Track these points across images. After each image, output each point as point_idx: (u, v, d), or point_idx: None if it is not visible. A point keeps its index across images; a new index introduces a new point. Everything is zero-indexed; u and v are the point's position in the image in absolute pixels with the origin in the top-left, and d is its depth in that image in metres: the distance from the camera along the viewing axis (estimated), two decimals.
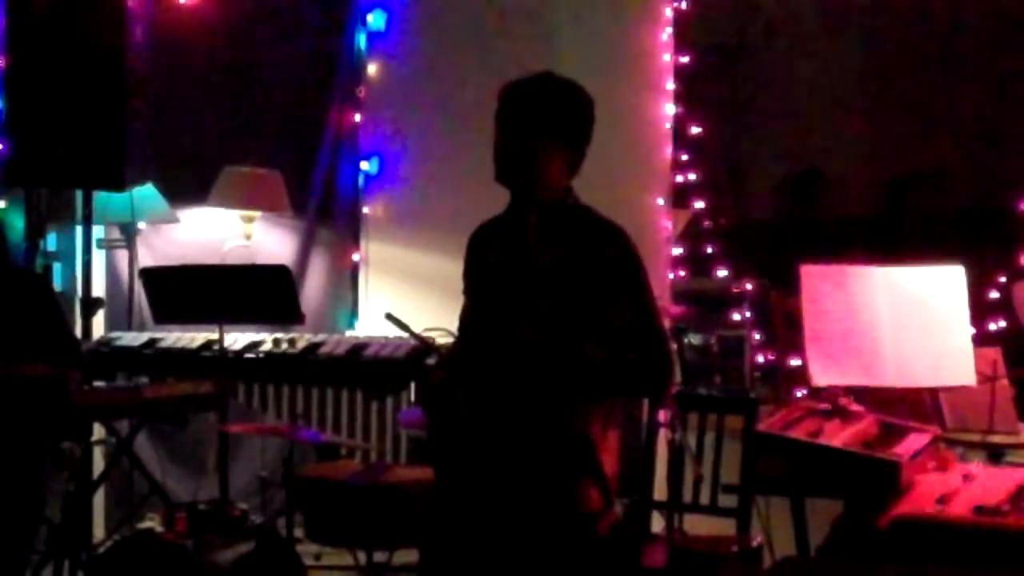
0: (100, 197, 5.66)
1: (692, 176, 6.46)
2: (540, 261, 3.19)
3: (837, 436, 3.83)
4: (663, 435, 3.90)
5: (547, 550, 3.13)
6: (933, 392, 4.43)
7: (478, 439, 3.19)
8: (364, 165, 6.36)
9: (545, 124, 3.18)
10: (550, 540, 3.13)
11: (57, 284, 5.88)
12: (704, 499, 4.62)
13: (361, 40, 6.39)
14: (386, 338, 5.33)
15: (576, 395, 3.14)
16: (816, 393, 4.25)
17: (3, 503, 4.32)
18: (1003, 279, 6.39)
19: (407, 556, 4.54)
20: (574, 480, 3.15)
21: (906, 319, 4.24)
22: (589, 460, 3.17)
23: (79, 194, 5.69)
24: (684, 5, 6.30)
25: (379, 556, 4.65)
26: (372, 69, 6.36)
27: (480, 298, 3.31)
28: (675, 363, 3.19)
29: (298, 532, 4.62)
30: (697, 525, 4.65)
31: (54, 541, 4.82)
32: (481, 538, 3.18)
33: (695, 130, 6.39)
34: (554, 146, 3.20)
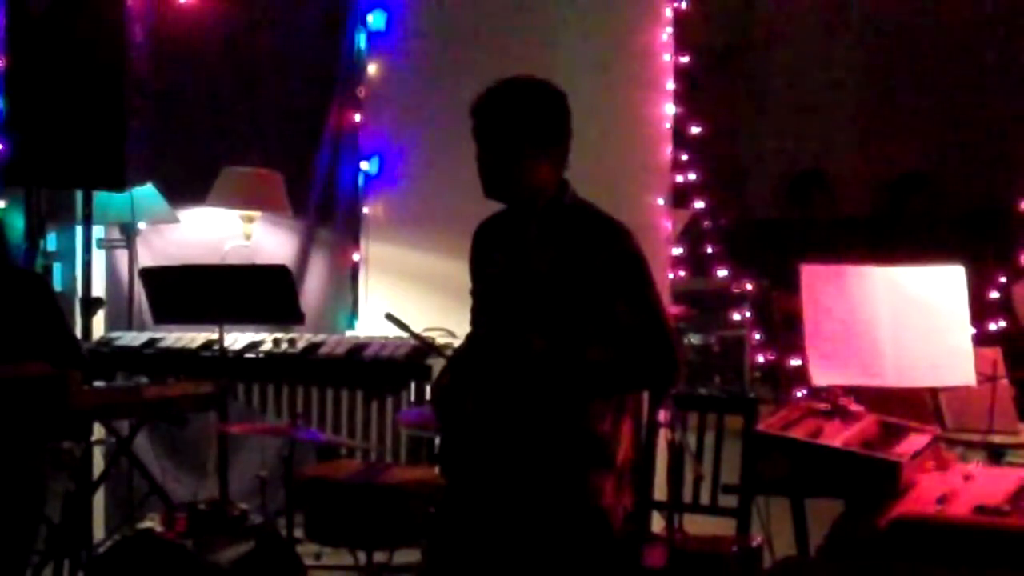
0: (100, 197, 5.66)
1: (692, 176, 6.46)
2: (541, 263, 3.19)
3: (837, 436, 3.83)
4: (663, 435, 3.90)
5: (560, 544, 3.13)
6: (933, 392, 4.43)
7: (488, 439, 3.19)
8: (364, 165, 6.36)
9: (520, 131, 3.17)
10: (563, 535, 3.13)
11: (57, 284, 5.88)
12: (704, 499, 4.63)
13: (361, 40, 6.39)
14: (386, 338, 5.33)
15: (584, 394, 3.14)
16: (816, 393, 4.24)
17: (3, 503, 4.32)
18: (1003, 279, 6.39)
19: (407, 556, 4.54)
20: (587, 476, 3.15)
21: (906, 319, 4.24)
22: (602, 455, 3.17)
23: (79, 194, 5.69)
24: (684, 5, 6.29)
25: (379, 556, 4.65)
26: (372, 69, 6.36)
27: (485, 299, 3.31)
28: (682, 355, 3.18)
29: (298, 532, 4.62)
30: (697, 525, 4.65)
31: (54, 541, 4.81)
32: (492, 533, 3.18)
33: (695, 130, 6.39)
34: (534, 150, 3.19)
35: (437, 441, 3.57)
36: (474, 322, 3.35)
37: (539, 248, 3.20)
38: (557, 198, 3.23)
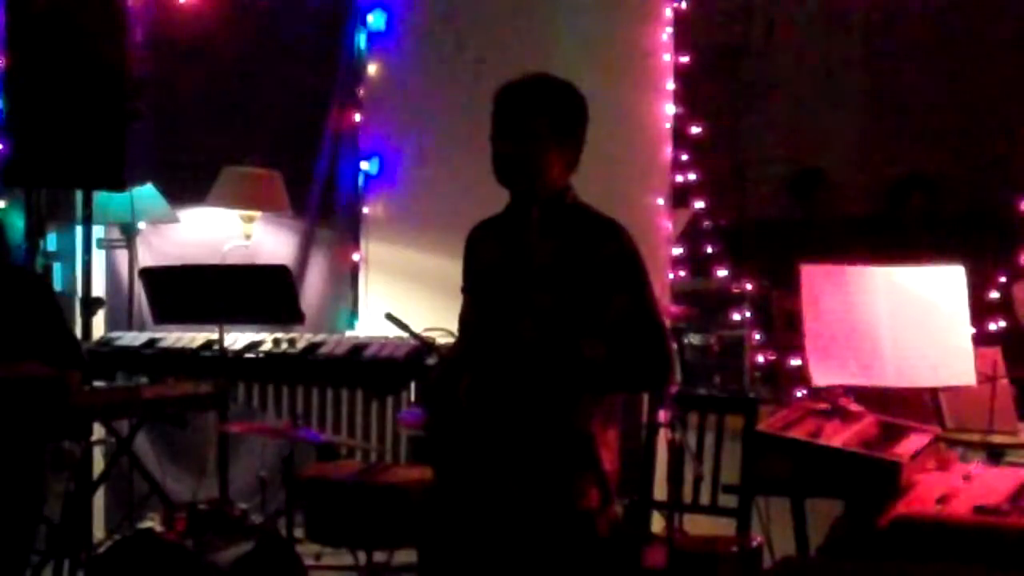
0: (100, 197, 5.66)
1: (692, 176, 6.45)
2: (539, 257, 3.21)
3: (837, 436, 3.83)
4: (663, 435, 3.91)
5: (545, 547, 3.14)
6: (933, 392, 4.43)
7: (478, 435, 3.19)
8: (364, 165, 6.36)
9: (543, 126, 3.20)
10: (549, 537, 3.14)
11: (57, 284, 5.88)
12: (704, 499, 4.63)
13: (361, 40, 6.39)
14: (386, 338, 5.33)
15: (576, 391, 3.15)
16: (816, 393, 4.24)
17: (3, 503, 4.32)
18: (1003, 279, 6.38)
19: (407, 556, 4.54)
20: (573, 477, 3.15)
21: (906, 319, 4.25)
22: (588, 457, 3.17)
23: (79, 194, 5.70)
24: (684, 5, 6.29)
25: (379, 556, 4.65)
26: (372, 69, 6.36)
27: (479, 295, 3.32)
28: (675, 358, 3.20)
29: (298, 532, 4.62)
30: (697, 525, 4.65)
31: (54, 541, 4.82)
32: (480, 535, 3.19)
33: (695, 130, 6.39)
34: (553, 147, 3.22)
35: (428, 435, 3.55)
36: (463, 321, 3.35)
37: (538, 240, 3.22)
38: (560, 196, 3.25)
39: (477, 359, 3.22)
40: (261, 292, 5.18)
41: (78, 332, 5.48)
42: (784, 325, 6.40)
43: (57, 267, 5.99)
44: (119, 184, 5.41)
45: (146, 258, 6.16)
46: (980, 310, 5.56)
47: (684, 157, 6.35)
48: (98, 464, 5.62)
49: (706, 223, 6.82)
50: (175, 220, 6.20)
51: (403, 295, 6.13)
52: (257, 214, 6.21)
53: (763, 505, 4.56)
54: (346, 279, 6.48)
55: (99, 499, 5.75)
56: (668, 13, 6.17)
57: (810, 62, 8.12)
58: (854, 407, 4.11)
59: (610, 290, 3.14)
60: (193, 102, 6.33)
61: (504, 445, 3.17)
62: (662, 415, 3.44)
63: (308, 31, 6.51)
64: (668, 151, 6.16)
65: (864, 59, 8.07)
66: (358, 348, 5.31)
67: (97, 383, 5.06)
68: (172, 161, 6.19)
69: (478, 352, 3.23)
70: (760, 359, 6.64)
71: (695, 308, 6.39)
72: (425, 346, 3.66)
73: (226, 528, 4.61)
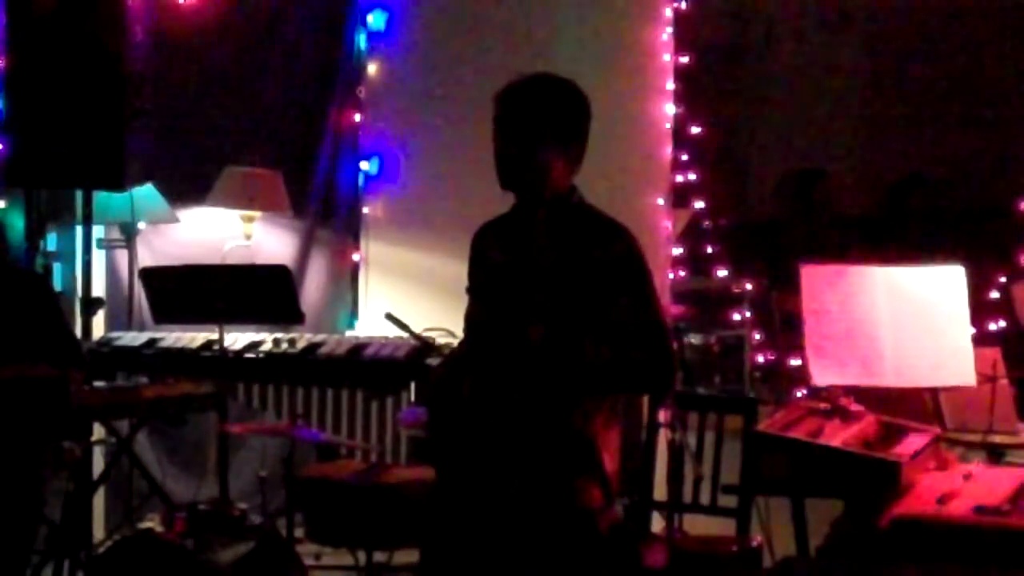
0: (100, 197, 5.66)
1: (692, 176, 6.45)
2: (544, 258, 3.21)
3: (837, 436, 3.83)
4: (663, 435, 3.91)
5: (547, 546, 3.14)
6: (933, 392, 4.43)
7: (480, 435, 3.19)
8: (364, 165, 6.36)
9: (546, 126, 3.19)
10: (550, 536, 3.14)
11: (57, 284, 5.88)
12: (704, 499, 4.63)
13: (361, 40, 6.40)
14: (386, 338, 5.33)
15: (579, 392, 3.15)
16: (816, 393, 4.24)
17: (3, 503, 4.32)
18: (1003, 279, 6.38)
19: (407, 556, 4.54)
20: (575, 477, 3.16)
21: (906, 319, 4.25)
22: (590, 457, 3.17)
23: (79, 194, 5.69)
24: (684, 5, 6.29)
25: (379, 556, 4.65)
26: (372, 69, 6.36)
27: (484, 296, 3.32)
28: (678, 361, 3.20)
29: (298, 532, 4.62)
30: (697, 525, 4.65)
31: (54, 541, 4.81)
32: (481, 534, 3.19)
33: (695, 130, 6.39)
34: (556, 147, 3.21)
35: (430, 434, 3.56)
36: (468, 322, 3.36)
37: (543, 241, 3.22)
38: (565, 197, 3.25)
39: (481, 359, 3.22)
40: (261, 292, 5.18)
41: (78, 332, 5.47)
42: (784, 325, 6.40)
43: (57, 267, 5.99)
44: (119, 184, 5.41)
45: (146, 258, 6.16)
46: (980, 310, 5.56)
47: (684, 157, 6.35)
48: (98, 464, 5.62)
49: (706, 223, 6.82)
50: (175, 220, 6.20)
51: (403, 295, 6.13)
52: (257, 214, 6.21)
53: (763, 505, 4.56)
54: (346, 279, 6.48)
55: (99, 499, 5.75)
56: (668, 13, 6.17)
57: (810, 62, 8.13)
58: (854, 407, 4.11)
59: (614, 292, 3.14)
60: (193, 102, 6.33)
61: (506, 445, 3.17)
62: (662, 415, 3.44)
63: (308, 31, 6.51)
64: (668, 151, 6.16)
65: (864, 59, 8.08)
66: (358, 348, 5.31)
67: (97, 383, 5.06)
68: (172, 161, 6.18)
69: (482, 352, 3.23)
70: (760, 359, 6.64)
71: (695, 308, 6.39)
72: (425, 346, 3.67)
73: (226, 528, 4.61)
